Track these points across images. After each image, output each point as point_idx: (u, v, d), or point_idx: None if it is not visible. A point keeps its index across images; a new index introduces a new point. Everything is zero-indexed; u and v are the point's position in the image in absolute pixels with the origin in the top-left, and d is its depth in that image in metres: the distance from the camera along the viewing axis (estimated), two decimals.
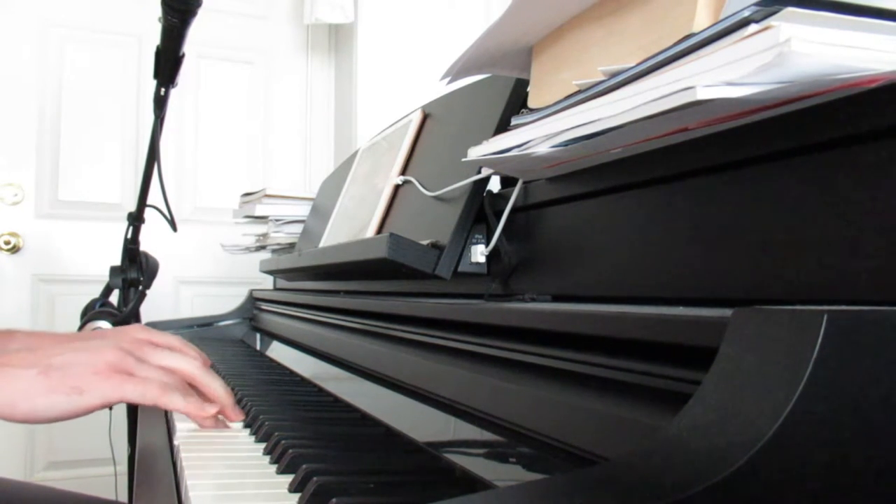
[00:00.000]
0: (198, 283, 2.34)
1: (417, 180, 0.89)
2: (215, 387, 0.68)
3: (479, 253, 0.72)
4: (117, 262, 1.48)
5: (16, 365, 0.60)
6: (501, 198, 0.70)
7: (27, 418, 0.59)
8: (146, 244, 1.50)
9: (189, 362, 0.67)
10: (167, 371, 0.66)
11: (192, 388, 0.68)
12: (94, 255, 2.17)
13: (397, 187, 0.97)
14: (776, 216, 0.40)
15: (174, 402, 0.63)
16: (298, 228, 1.58)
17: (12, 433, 2.07)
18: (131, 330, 0.70)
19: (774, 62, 0.32)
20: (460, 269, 0.72)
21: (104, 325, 1.37)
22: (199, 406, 0.65)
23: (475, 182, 0.73)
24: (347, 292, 1.16)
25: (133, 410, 1.36)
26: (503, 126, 0.71)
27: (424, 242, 0.73)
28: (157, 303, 2.04)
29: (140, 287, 1.45)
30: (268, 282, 2.00)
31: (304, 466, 0.50)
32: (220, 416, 0.69)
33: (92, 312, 1.40)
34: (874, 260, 0.34)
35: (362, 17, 2.27)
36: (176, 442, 0.64)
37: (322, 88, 2.54)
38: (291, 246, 1.58)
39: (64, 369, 0.61)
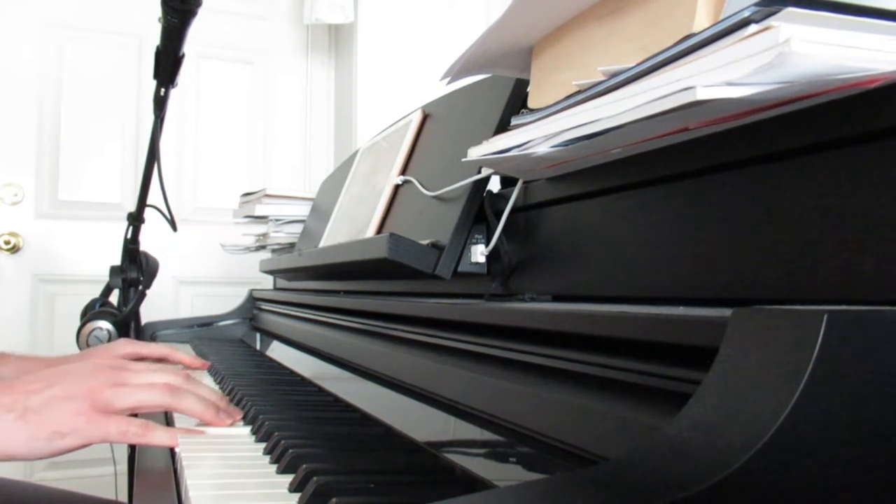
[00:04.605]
0: (198, 283, 2.34)
1: (417, 180, 0.89)
2: (191, 404, 0.67)
3: (479, 253, 0.72)
4: (117, 262, 1.48)
5: None
6: (501, 198, 0.70)
7: (5, 458, 0.59)
8: (146, 244, 1.50)
9: (159, 392, 0.66)
10: (150, 385, 0.66)
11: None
12: (94, 255, 2.17)
13: (397, 187, 0.97)
14: (776, 216, 0.40)
15: (157, 438, 0.63)
16: (298, 228, 1.58)
17: None
18: (117, 346, 0.69)
19: (774, 62, 0.32)
20: (460, 269, 0.72)
21: (104, 324, 1.37)
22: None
23: (475, 182, 0.73)
24: (347, 292, 1.16)
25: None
26: (503, 126, 0.71)
27: (424, 242, 0.73)
28: (157, 303, 2.04)
29: (140, 287, 1.45)
30: (268, 282, 2.00)
31: (304, 466, 0.50)
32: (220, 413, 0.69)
33: (92, 312, 1.40)
34: (874, 260, 0.34)
35: (362, 17, 2.27)
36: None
37: (322, 88, 2.54)
38: (291, 246, 1.58)
39: (41, 413, 0.60)
